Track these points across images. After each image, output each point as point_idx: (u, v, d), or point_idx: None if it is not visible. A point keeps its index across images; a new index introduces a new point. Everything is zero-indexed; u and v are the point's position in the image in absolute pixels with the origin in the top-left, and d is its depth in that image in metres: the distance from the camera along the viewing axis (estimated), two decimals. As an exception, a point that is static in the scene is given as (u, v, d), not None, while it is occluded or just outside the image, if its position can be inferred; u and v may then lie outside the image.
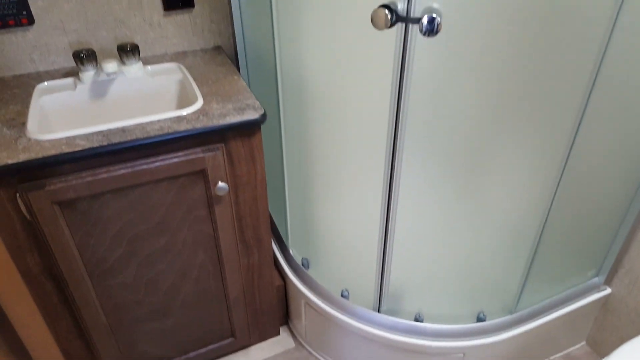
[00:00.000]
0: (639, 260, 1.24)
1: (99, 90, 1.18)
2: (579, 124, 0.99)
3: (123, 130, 0.97)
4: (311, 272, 1.36)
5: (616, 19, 0.88)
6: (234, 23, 1.35)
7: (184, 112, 1.04)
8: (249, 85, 1.44)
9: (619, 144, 1.08)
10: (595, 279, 1.36)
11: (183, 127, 0.99)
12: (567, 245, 1.22)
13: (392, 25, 0.88)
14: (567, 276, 1.30)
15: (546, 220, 1.11)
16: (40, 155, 0.89)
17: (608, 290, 1.35)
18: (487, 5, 0.84)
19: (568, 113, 0.97)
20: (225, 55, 1.35)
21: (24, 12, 1.13)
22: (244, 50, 1.40)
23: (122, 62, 1.19)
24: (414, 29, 0.88)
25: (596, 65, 0.92)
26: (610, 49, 0.91)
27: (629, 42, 0.92)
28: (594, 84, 0.95)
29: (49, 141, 0.93)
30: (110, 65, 1.11)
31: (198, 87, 1.16)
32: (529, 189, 1.06)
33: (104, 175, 0.95)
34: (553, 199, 1.08)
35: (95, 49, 1.26)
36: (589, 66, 0.92)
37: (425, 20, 0.84)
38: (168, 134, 0.97)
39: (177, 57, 1.33)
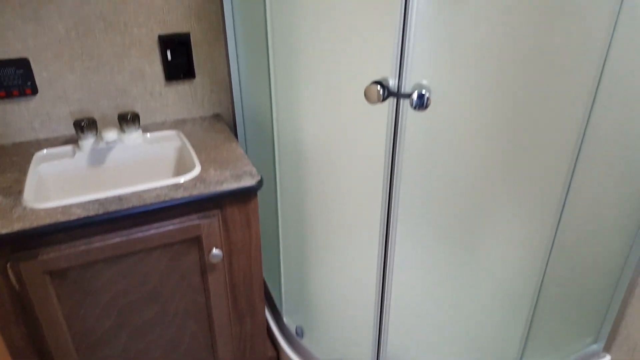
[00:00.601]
0: (636, 326, 1.22)
1: (98, 158, 1.20)
2: (569, 188, 1.01)
3: (120, 198, 0.98)
4: (305, 341, 1.32)
5: (598, 86, 0.92)
6: (233, 93, 1.40)
7: (182, 179, 1.05)
8: (246, 151, 1.47)
9: (609, 207, 1.09)
10: (595, 346, 1.33)
11: (180, 194, 1.00)
12: (564, 310, 1.20)
13: (384, 99, 0.91)
14: (567, 342, 1.28)
15: (541, 283, 1.10)
16: (35, 224, 0.89)
17: (608, 358, 1.32)
18: (473, 79, 0.88)
19: (558, 178, 0.99)
20: (224, 122, 1.39)
21: (29, 83, 1.17)
22: (242, 118, 1.43)
23: (122, 130, 1.21)
24: (405, 103, 0.91)
25: (583, 126, 0.95)
26: (594, 114, 0.95)
27: (615, 98, 0.96)
28: (580, 148, 0.97)
29: (45, 210, 0.93)
30: (110, 134, 1.13)
31: (196, 154, 1.18)
32: (523, 252, 1.06)
33: (98, 244, 0.95)
34: (547, 262, 1.08)
35: (96, 117, 1.29)
36: (576, 132, 0.95)
37: (415, 95, 0.87)
38: (165, 201, 0.97)
39: (177, 124, 1.37)
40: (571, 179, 1.00)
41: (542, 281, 1.10)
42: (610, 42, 0.90)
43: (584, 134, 0.96)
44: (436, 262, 1.07)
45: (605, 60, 0.91)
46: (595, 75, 0.92)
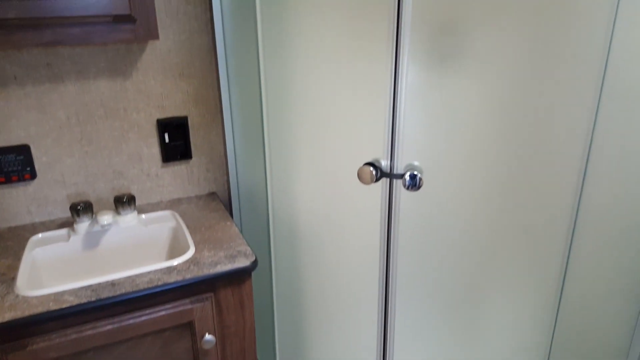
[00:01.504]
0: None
1: (92, 241, 1.19)
2: (568, 259, 1.01)
3: (112, 284, 0.97)
4: None
5: (587, 160, 0.95)
6: (229, 171, 1.42)
7: (175, 262, 1.04)
8: (241, 229, 1.47)
9: (607, 286, 1.08)
10: None
11: (173, 278, 0.99)
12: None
13: (377, 180, 0.93)
14: None
15: (550, 352, 1.07)
16: (26, 314, 0.87)
17: None
18: (463, 156, 0.91)
19: (554, 255, 0.99)
20: (219, 201, 1.40)
21: (28, 169, 1.19)
22: (237, 196, 1.45)
23: (118, 212, 1.22)
24: (398, 183, 0.93)
25: (577, 197, 0.96)
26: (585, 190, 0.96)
27: (607, 169, 0.98)
28: (576, 214, 0.98)
29: (37, 297, 0.92)
30: (106, 218, 1.14)
31: (191, 234, 1.18)
32: (525, 321, 1.04)
33: (89, 332, 0.92)
34: (552, 335, 1.05)
35: (92, 199, 1.30)
36: (571, 196, 0.96)
37: (407, 176, 0.89)
38: (157, 286, 0.96)
39: (172, 204, 1.38)
40: (570, 245, 1.01)
41: (549, 351, 1.07)
42: (595, 118, 0.94)
43: (580, 197, 0.98)
44: (438, 336, 1.04)
45: (594, 127, 0.94)
46: (585, 146, 0.94)
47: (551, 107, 0.91)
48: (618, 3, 0.89)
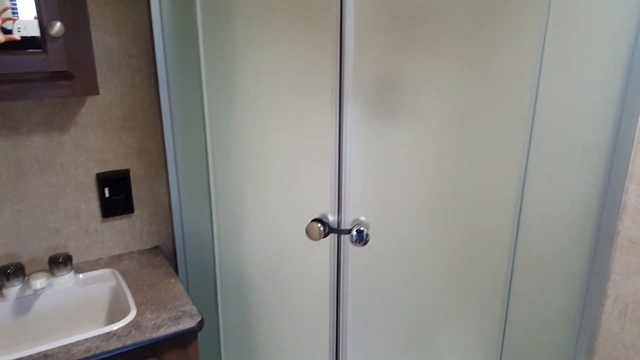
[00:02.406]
0: None
1: (24, 307, 1.11)
2: (508, 305, 1.04)
3: (45, 355, 0.90)
4: None
5: (521, 209, 1.00)
6: (174, 224, 1.38)
7: (115, 326, 0.99)
8: (187, 287, 1.42)
9: (550, 306, 1.12)
10: None
11: (113, 345, 0.93)
12: None
13: (325, 236, 0.93)
14: None
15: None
16: (-58, 398, 0.79)
17: None
18: (406, 210, 0.93)
19: (496, 297, 1.02)
20: (163, 256, 1.35)
21: (-49, 230, 1.10)
22: (183, 250, 1.41)
23: (53, 274, 1.15)
24: (345, 238, 0.94)
25: (513, 239, 1.00)
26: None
27: (537, 215, 1.03)
28: (513, 261, 1.02)
29: (-44, 377, 0.84)
30: (39, 281, 1.07)
31: (132, 294, 1.13)
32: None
33: (17, 413, 0.85)
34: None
35: (25, 259, 1.22)
36: (507, 244, 1.00)
37: (354, 232, 0.90)
38: (96, 355, 0.90)
39: (113, 261, 1.31)
40: (510, 288, 1.04)
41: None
42: (526, 167, 1.00)
43: (515, 245, 1.02)
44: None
45: (525, 175, 0.99)
46: (518, 194, 0.99)
47: (485, 156, 0.96)
48: (541, 65, 0.97)
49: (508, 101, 0.96)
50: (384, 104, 0.90)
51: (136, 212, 1.35)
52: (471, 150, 0.95)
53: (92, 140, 1.23)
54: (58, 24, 0.93)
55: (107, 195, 1.27)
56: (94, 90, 1.03)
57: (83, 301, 1.18)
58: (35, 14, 0.94)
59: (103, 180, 1.26)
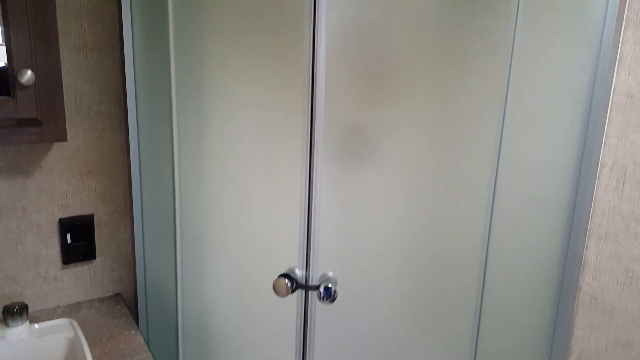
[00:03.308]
0: None
1: (-30, 362, 1.05)
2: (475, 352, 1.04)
3: (-10, 418, 0.84)
4: None
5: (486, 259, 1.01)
6: (137, 271, 1.35)
7: (70, 384, 0.94)
8: (147, 338, 1.37)
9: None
10: None
11: (66, 406, 0.88)
12: None
13: (293, 292, 0.93)
14: None
15: None
16: None
17: None
18: (375, 264, 0.93)
19: (464, 343, 1.02)
20: (124, 304, 1.30)
21: None
22: (144, 298, 1.36)
23: (6, 324, 1.09)
24: (313, 294, 0.93)
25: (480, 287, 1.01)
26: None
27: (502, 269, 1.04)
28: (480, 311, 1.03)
29: None
30: (-10, 334, 1.01)
31: (90, 346, 1.08)
32: None
33: None
34: None
35: (-25, 308, 1.16)
36: (475, 294, 1.01)
37: (322, 289, 0.90)
38: (46, 417, 0.85)
39: (71, 309, 1.26)
40: (477, 334, 1.04)
41: None
42: (491, 217, 1.02)
43: (482, 296, 1.03)
44: None
45: (490, 225, 1.01)
46: (484, 243, 1.01)
47: (452, 210, 0.98)
48: (503, 121, 1.01)
49: (472, 154, 0.99)
50: (354, 151, 0.92)
51: (98, 258, 1.31)
52: (438, 204, 0.97)
53: (57, 185, 1.20)
54: (29, 73, 0.92)
55: (69, 241, 1.24)
56: (62, 137, 1.02)
57: (38, 355, 1.12)
58: (5, 60, 0.93)
59: (66, 225, 1.22)
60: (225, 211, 1.04)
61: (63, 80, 1.14)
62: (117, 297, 1.35)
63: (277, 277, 0.92)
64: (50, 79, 0.98)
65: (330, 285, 0.89)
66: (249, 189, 1.00)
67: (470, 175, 1.00)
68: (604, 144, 1.08)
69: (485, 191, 1.02)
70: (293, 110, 0.94)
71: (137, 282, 1.34)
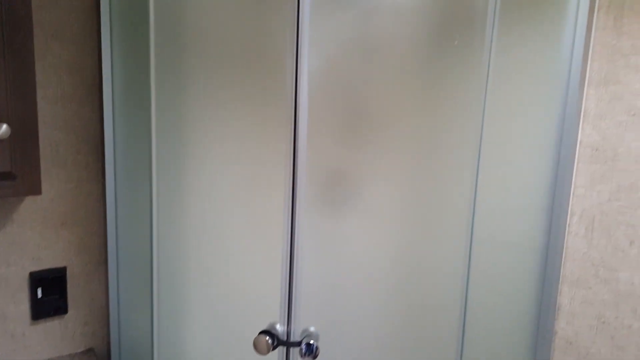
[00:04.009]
0: None
1: None
2: None
3: None
4: None
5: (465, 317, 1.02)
6: (111, 324, 1.30)
7: None
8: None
9: None
10: None
11: None
12: None
13: (274, 349, 0.91)
14: None
15: None
16: None
17: None
18: (357, 317, 0.93)
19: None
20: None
21: None
22: (118, 353, 1.32)
23: (-32, 387, 1.04)
24: (295, 351, 0.92)
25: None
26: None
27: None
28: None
29: None
30: (-48, 400, 0.96)
31: (59, 409, 1.03)
32: None
33: None
34: None
35: (-64, 370, 1.10)
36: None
37: (304, 345, 0.89)
38: None
39: (39, 367, 1.21)
40: None
41: None
42: (469, 265, 1.04)
43: (462, 348, 1.03)
44: None
45: (468, 272, 1.03)
46: (463, 290, 1.02)
47: (432, 257, 1.00)
48: (478, 170, 1.04)
49: (450, 200, 1.02)
50: (337, 198, 0.93)
51: (70, 311, 1.27)
52: (418, 251, 0.99)
53: (30, 237, 1.17)
54: (4, 127, 0.91)
55: (39, 295, 1.19)
56: (37, 191, 1.00)
57: (1, 419, 1.06)
58: (-19, 115, 0.92)
59: (36, 279, 1.18)
60: (204, 263, 1.03)
61: (39, 131, 1.13)
62: (89, 352, 1.30)
63: (257, 333, 0.91)
64: (26, 132, 0.97)
65: (312, 342, 0.88)
66: (229, 241, 1.00)
67: (448, 221, 1.02)
68: (573, 193, 1.13)
69: (463, 237, 1.04)
70: (275, 158, 0.95)
71: (111, 337, 1.30)
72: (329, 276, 0.93)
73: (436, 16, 0.94)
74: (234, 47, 0.99)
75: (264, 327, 0.92)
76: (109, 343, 1.32)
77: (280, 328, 0.92)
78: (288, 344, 0.90)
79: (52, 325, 1.24)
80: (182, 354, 1.06)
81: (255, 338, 0.90)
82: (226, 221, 1.00)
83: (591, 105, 1.08)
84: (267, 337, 0.89)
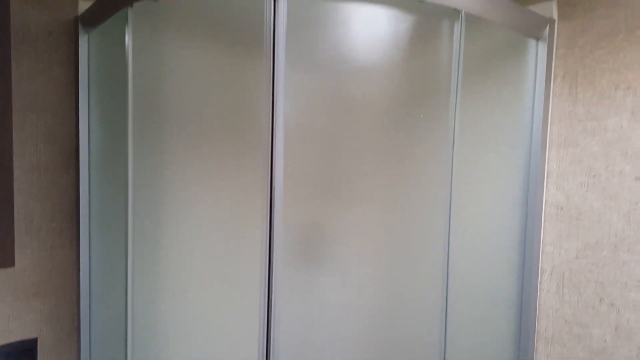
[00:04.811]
0: None
1: None
2: None
3: None
4: None
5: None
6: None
7: None
8: None
9: None
10: None
11: None
12: None
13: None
14: None
15: None
16: None
17: None
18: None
19: None
20: None
21: None
22: None
23: None
24: None
25: None
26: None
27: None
28: None
29: None
30: None
31: None
32: None
33: None
34: None
35: None
36: None
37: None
38: None
39: None
40: None
41: None
42: (445, 319, 1.04)
43: None
44: None
45: (445, 320, 1.03)
46: (441, 342, 1.02)
47: (409, 309, 1.01)
48: (450, 222, 1.07)
49: (423, 256, 1.04)
50: (313, 252, 0.94)
51: (40, 384, 1.22)
52: (393, 307, 0.99)
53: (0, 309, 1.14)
54: (-21, 201, 0.91)
55: (7, 370, 1.15)
56: (10, 263, 0.98)
57: None
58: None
59: (5, 354, 1.14)
60: (181, 328, 1.01)
61: (14, 200, 1.13)
62: None
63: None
64: (1, 205, 0.97)
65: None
66: (207, 302, 0.99)
67: (423, 277, 1.04)
68: (542, 251, 1.17)
69: (437, 295, 1.06)
70: (252, 215, 0.96)
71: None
72: (307, 328, 0.93)
73: (404, 79, 0.99)
74: (210, 108, 1.02)
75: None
76: (79, 417, 1.27)
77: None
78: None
79: (19, 401, 1.19)
80: None
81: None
82: (204, 282, 1.00)
83: (553, 166, 1.14)
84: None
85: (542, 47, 1.11)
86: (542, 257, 1.17)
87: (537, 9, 1.12)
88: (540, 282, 1.18)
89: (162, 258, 1.06)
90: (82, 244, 1.22)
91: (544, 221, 1.16)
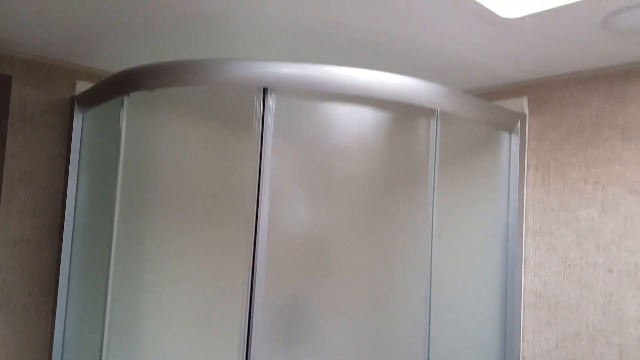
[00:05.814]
0: None
1: None
2: None
3: None
4: None
5: None
6: None
7: None
8: None
9: None
10: None
11: None
12: None
13: None
14: None
15: None
16: None
17: None
18: None
19: None
20: None
21: None
22: None
23: None
24: None
25: None
26: None
27: None
28: None
29: None
30: None
31: None
32: None
33: None
34: None
35: None
36: None
37: None
38: None
39: None
40: None
41: None
42: None
43: None
44: None
45: None
46: None
47: None
48: (430, 306, 1.06)
49: (404, 341, 1.02)
50: (293, 333, 0.93)
51: None
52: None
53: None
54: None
55: None
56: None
57: None
58: None
59: None
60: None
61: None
62: None
63: None
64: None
65: None
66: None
67: (402, 346, 1.02)
68: (522, 339, 1.16)
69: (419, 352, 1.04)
70: (232, 297, 0.95)
71: None
72: None
73: (385, 165, 1.03)
74: (196, 189, 1.05)
75: None
76: None
77: None
78: None
79: None
80: None
81: None
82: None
83: (531, 253, 1.16)
84: None
85: (515, 140, 1.18)
86: (522, 345, 1.16)
87: (509, 103, 1.20)
88: (522, 372, 1.16)
89: (139, 337, 1.05)
90: (57, 321, 1.19)
91: (524, 308, 1.17)
